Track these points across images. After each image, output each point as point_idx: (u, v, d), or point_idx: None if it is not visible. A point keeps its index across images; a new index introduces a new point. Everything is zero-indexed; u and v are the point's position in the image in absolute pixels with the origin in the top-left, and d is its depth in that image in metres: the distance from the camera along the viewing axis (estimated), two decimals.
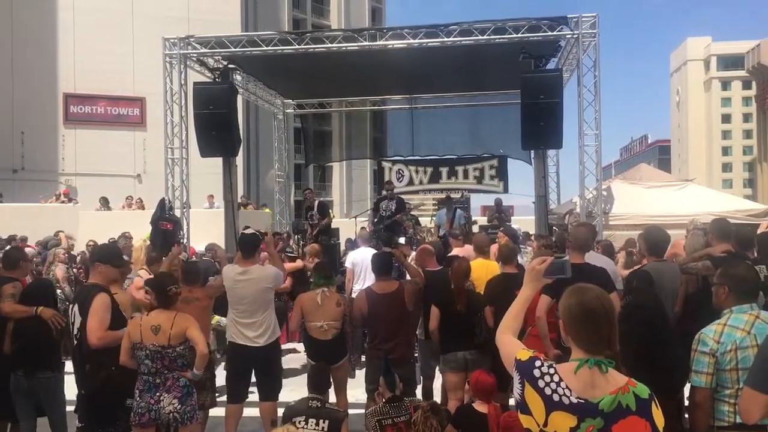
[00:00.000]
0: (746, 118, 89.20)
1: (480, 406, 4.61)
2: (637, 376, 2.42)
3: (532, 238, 11.04)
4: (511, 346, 2.52)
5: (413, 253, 7.68)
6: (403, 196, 14.44)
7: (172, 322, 4.62)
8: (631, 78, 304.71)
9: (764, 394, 2.86)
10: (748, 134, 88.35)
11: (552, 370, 2.32)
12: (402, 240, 7.93)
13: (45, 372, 5.08)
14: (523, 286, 2.71)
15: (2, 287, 5.16)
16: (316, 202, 13.07)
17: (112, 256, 5.24)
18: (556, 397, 2.28)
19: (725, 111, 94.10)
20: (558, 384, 2.29)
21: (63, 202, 19.71)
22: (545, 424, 2.28)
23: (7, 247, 7.84)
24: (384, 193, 13.37)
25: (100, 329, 4.70)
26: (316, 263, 7.59)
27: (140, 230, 12.49)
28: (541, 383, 2.31)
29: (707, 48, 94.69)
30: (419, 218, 15.55)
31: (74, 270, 10.95)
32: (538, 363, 2.36)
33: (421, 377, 6.57)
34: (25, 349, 5.07)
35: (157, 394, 4.56)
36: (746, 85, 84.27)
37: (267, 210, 19.64)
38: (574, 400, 2.26)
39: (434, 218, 15.03)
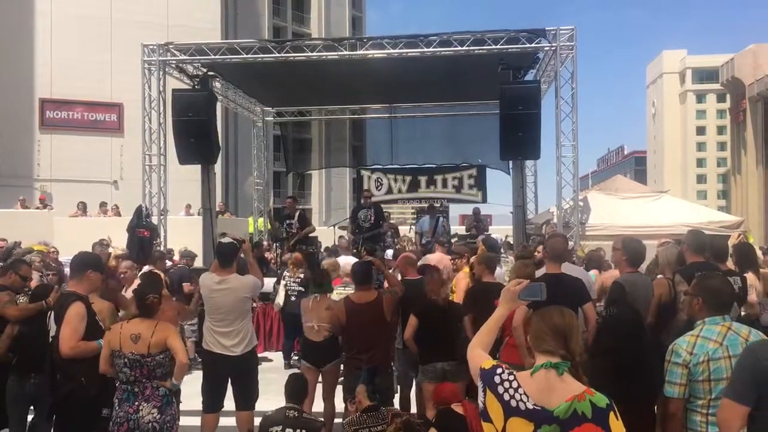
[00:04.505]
0: (720, 130, 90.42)
1: (457, 408, 4.65)
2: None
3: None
4: (478, 359, 2.59)
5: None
6: (381, 205, 14.42)
7: (153, 331, 4.53)
8: (608, 89, 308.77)
9: (743, 405, 2.85)
10: (722, 146, 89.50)
11: (512, 377, 2.40)
12: (390, 253, 7.97)
13: (40, 375, 5.08)
14: (499, 305, 2.79)
15: None
16: (297, 213, 12.95)
17: (100, 263, 5.24)
18: (513, 403, 2.34)
19: (700, 123, 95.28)
20: (516, 390, 2.36)
21: (38, 208, 19.44)
22: (503, 430, 2.34)
23: None
24: (362, 201, 13.30)
25: (73, 339, 4.61)
26: (312, 273, 7.71)
27: (116, 237, 12.37)
28: (500, 389, 2.38)
29: (682, 61, 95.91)
30: (398, 228, 15.55)
31: (47, 278, 10.77)
32: (499, 370, 2.44)
33: (399, 386, 6.57)
34: (26, 353, 5.14)
35: (136, 403, 4.47)
36: (720, 98, 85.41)
37: (253, 219, 19.39)
38: (531, 407, 2.33)
39: (415, 226, 15.00)
